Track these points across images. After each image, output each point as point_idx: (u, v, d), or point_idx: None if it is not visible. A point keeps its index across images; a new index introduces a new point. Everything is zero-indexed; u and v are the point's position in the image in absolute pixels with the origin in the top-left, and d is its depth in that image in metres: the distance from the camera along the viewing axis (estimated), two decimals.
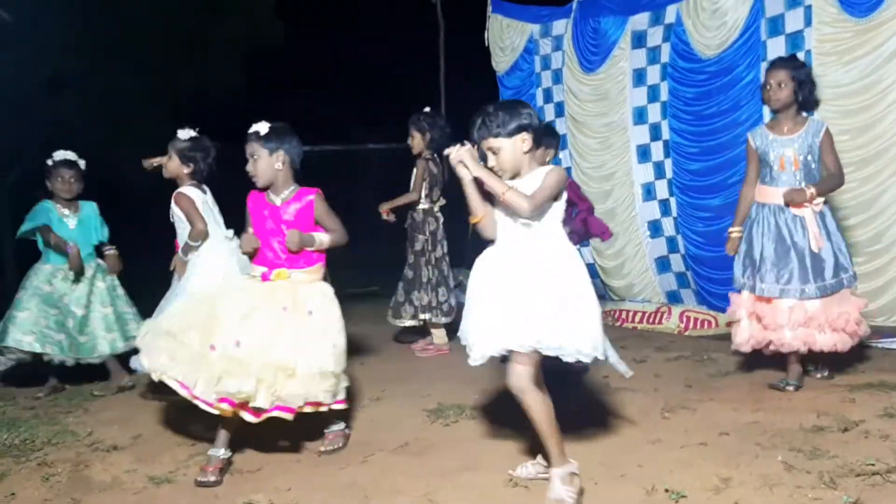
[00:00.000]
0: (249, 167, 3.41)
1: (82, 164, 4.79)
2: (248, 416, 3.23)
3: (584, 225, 4.58)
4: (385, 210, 5.36)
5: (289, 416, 3.26)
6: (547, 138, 4.67)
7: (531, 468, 3.00)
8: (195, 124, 4.32)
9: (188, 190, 4.17)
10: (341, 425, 3.59)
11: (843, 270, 3.92)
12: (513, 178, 2.81)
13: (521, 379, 2.69)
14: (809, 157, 3.93)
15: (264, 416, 3.24)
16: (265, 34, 11.80)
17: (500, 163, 2.77)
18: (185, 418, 4.05)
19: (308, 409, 3.32)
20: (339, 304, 3.46)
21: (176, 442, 3.68)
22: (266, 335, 3.21)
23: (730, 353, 4.53)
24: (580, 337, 2.68)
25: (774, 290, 3.93)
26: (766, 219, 4.00)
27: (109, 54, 10.21)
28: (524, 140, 2.76)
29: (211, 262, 4.11)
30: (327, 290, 3.46)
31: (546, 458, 2.82)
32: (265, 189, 3.45)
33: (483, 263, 2.88)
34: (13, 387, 4.79)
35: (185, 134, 4.17)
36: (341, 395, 3.45)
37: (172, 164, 4.20)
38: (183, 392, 3.25)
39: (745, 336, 4.07)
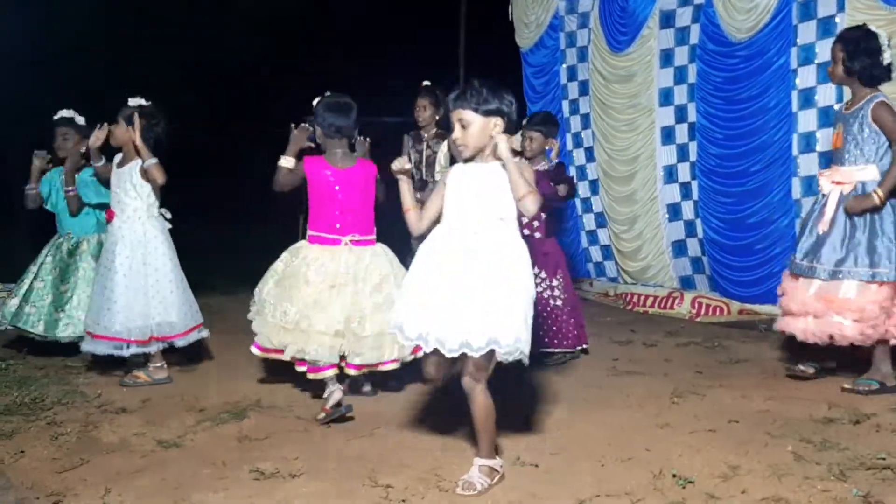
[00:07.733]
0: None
1: (80, 120, 4.64)
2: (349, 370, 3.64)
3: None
4: None
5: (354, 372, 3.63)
6: (549, 126, 4.61)
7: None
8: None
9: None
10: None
11: (881, 263, 3.62)
12: (473, 157, 2.80)
13: (477, 375, 2.70)
14: (858, 134, 3.70)
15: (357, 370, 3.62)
16: (285, 3, 11.71)
17: (465, 137, 2.77)
18: (193, 384, 4.08)
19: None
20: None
21: (184, 407, 3.69)
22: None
23: (741, 340, 4.49)
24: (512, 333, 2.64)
25: (802, 268, 3.79)
26: (819, 200, 3.89)
27: (131, 17, 10.16)
28: (496, 124, 2.75)
29: (137, 233, 4.10)
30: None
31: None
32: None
33: (434, 249, 2.80)
34: (25, 346, 4.81)
35: (134, 101, 4.12)
36: (356, 361, 3.57)
37: (119, 131, 4.11)
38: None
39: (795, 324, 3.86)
